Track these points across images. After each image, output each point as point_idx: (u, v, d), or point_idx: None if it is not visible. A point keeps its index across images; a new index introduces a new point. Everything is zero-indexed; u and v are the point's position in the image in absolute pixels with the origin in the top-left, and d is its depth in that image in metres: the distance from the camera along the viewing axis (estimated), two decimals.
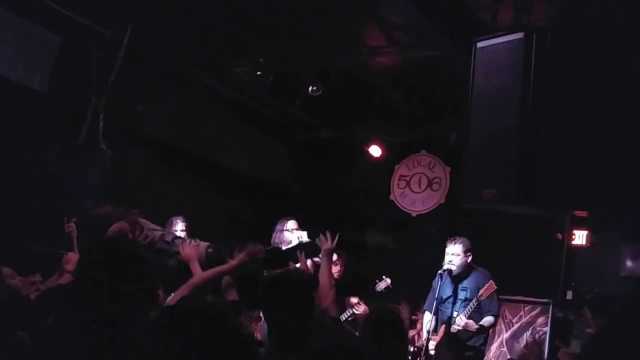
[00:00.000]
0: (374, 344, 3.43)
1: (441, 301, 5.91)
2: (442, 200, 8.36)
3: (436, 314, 5.91)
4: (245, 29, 6.38)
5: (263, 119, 8.18)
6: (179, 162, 7.25)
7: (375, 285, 6.65)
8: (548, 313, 6.85)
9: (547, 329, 6.80)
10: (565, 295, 7.04)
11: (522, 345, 6.99)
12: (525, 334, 7.03)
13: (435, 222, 8.29)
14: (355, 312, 6.17)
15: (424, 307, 6.12)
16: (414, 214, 8.53)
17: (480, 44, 4.40)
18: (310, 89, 7.10)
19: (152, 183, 6.90)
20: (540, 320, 6.90)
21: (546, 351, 6.75)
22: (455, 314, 5.81)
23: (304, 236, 5.48)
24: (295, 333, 2.85)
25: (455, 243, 5.87)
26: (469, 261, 5.89)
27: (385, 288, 6.64)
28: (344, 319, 6.07)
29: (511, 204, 4.29)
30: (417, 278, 6.84)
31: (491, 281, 5.75)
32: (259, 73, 7.03)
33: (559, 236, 7.20)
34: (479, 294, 5.71)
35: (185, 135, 7.21)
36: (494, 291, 5.76)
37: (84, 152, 5.97)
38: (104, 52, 5.98)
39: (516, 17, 4.61)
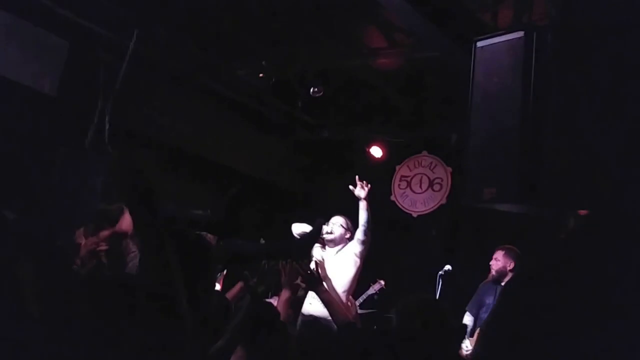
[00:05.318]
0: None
1: (483, 305, 6.18)
2: (444, 201, 8.38)
3: (476, 317, 6.21)
4: (248, 32, 6.45)
5: (265, 121, 8.23)
6: (184, 164, 7.33)
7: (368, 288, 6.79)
8: None
9: None
10: None
11: None
12: None
13: (436, 223, 8.31)
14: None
15: (467, 309, 6.31)
16: (415, 215, 8.56)
17: (480, 44, 4.38)
18: (311, 90, 7.16)
19: (156, 185, 6.96)
20: None
21: None
22: None
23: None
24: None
25: (509, 254, 6.18)
26: None
27: (379, 290, 6.76)
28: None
29: (512, 202, 4.31)
30: (417, 280, 6.86)
31: None
32: (261, 75, 7.09)
33: (563, 237, 7.18)
34: None
35: (189, 137, 7.28)
36: None
37: (91, 154, 6.06)
38: (111, 57, 6.08)
39: (516, 16, 4.62)
